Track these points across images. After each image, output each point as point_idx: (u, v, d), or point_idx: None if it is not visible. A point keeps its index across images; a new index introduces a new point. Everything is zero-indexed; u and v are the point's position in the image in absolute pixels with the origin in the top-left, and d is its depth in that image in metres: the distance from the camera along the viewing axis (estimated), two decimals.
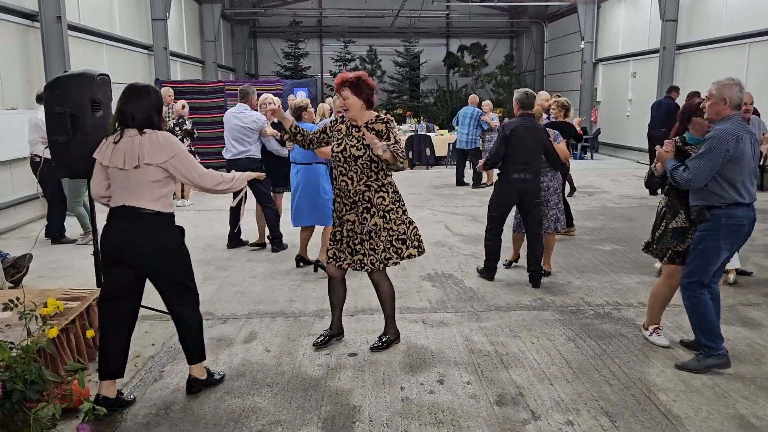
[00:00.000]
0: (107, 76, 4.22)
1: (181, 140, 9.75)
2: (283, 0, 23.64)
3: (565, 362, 4.03)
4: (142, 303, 4.89)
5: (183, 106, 9.73)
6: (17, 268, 5.56)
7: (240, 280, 5.92)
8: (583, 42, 18.94)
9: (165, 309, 4.93)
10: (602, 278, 5.90)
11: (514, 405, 3.47)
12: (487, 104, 12.10)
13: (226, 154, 6.92)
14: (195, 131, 9.94)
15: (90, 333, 3.19)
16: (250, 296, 5.43)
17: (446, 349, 4.26)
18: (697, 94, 8.51)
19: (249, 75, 23.47)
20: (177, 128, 9.57)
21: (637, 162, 15.46)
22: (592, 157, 17.03)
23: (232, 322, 4.82)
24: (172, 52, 14.87)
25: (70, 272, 6.21)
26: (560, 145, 5.86)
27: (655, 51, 14.89)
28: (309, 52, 23.63)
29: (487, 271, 5.85)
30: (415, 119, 18.00)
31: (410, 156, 14.92)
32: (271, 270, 6.26)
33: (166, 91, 9.88)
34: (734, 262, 5.80)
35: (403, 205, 4.12)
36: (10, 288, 5.42)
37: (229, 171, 6.45)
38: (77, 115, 4.00)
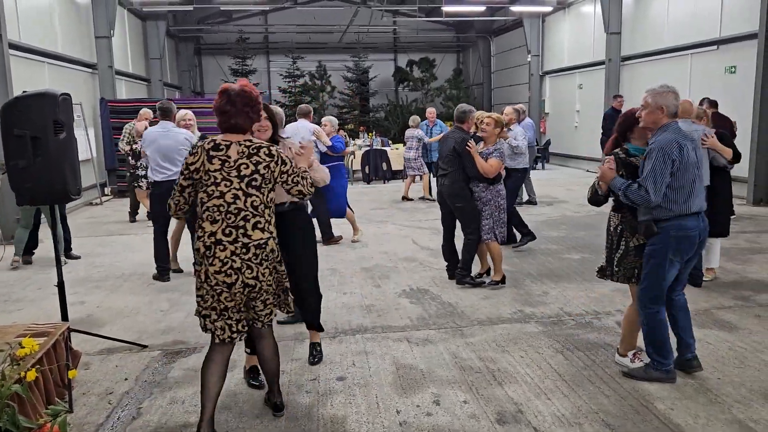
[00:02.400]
0: (69, 95, 3.97)
1: (131, 160, 9.46)
2: (228, 16, 23.30)
3: (558, 375, 3.98)
4: (103, 333, 4.65)
5: (143, 127, 9.43)
6: None
7: None
8: (529, 55, 19.37)
9: (132, 340, 4.68)
10: (577, 287, 5.93)
11: (515, 423, 3.39)
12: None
13: (156, 176, 6.36)
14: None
15: (73, 373, 2.92)
16: None
17: (436, 367, 4.15)
18: None
19: (195, 93, 22.98)
20: (127, 147, 9.29)
21: (587, 171, 15.84)
22: (543, 167, 17.36)
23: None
24: (117, 71, 14.39)
25: (23, 304, 5.81)
26: (491, 160, 5.81)
27: (601, 63, 15.36)
28: (257, 69, 23.33)
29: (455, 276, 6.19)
30: (369, 134, 17.96)
31: (367, 170, 14.85)
32: None
33: (145, 113, 9.71)
34: (714, 261, 5.98)
35: None
36: None
37: (158, 194, 6.24)
38: (39, 138, 3.73)
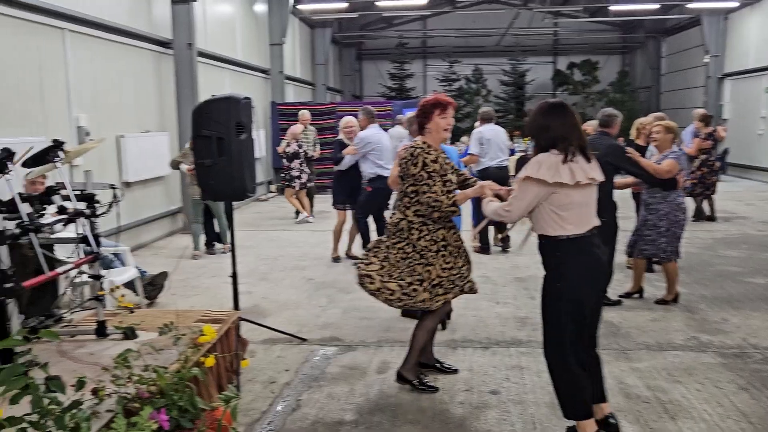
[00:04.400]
0: (250, 99, 4.25)
1: (290, 163, 9.96)
2: (389, 22, 23.93)
3: (743, 415, 3.54)
4: (267, 324, 4.92)
5: (300, 130, 9.98)
6: (154, 286, 5.73)
7: (364, 305, 5.78)
8: (707, 56, 17.73)
9: (293, 332, 4.90)
10: (763, 316, 5.27)
11: None
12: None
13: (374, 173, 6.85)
14: (312, 153, 10.27)
15: (245, 363, 3.11)
16: (377, 322, 5.27)
17: None
18: None
19: (355, 96, 23.86)
20: (289, 149, 9.84)
21: None
22: (718, 179, 15.75)
23: (363, 350, 4.67)
24: (286, 76, 15.32)
25: (199, 290, 6.34)
26: (665, 162, 5.26)
27: None
28: (414, 73, 23.71)
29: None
30: (525, 139, 17.48)
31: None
32: None
33: (303, 115, 10.37)
34: None
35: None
36: (147, 305, 5.60)
37: (376, 190, 6.72)
38: (223, 138, 4.03)
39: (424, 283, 3.67)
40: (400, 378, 3.93)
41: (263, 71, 14.38)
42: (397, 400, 3.81)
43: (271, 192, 14.27)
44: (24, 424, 1.96)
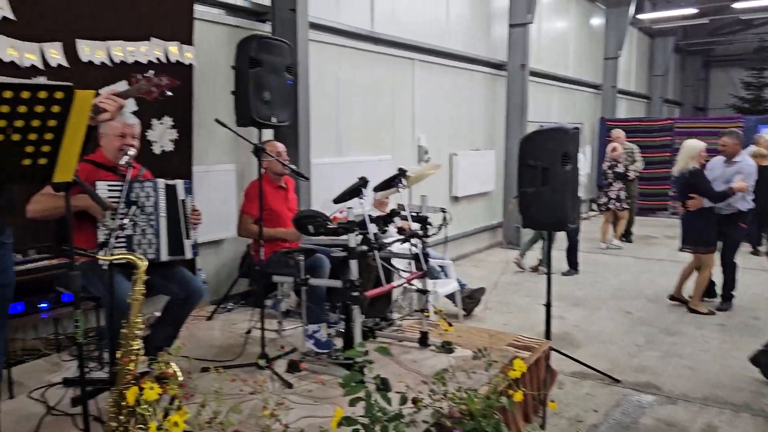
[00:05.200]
0: (578, 129, 4.20)
1: (610, 184, 9.30)
2: (747, 24, 20.94)
3: None
4: (577, 355, 4.77)
5: (614, 149, 9.30)
6: (472, 300, 6.07)
7: (689, 352, 5.21)
8: None
9: (605, 371, 4.66)
10: None
11: None
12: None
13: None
14: (630, 173, 9.46)
15: (553, 406, 3.11)
16: (703, 375, 4.70)
17: None
18: None
19: (697, 108, 21.53)
20: (609, 171, 9.22)
21: None
22: None
23: (685, 405, 4.21)
24: (619, 89, 14.62)
25: (512, 308, 6.49)
26: None
27: None
28: None
29: None
30: None
31: None
32: (728, 344, 5.36)
33: (617, 133, 9.71)
34: None
35: None
36: (464, 317, 5.95)
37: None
38: (548, 168, 4.06)
39: None
40: None
41: (594, 86, 13.97)
42: None
43: (593, 210, 13.79)
44: (357, 426, 2.29)
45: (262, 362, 3.56)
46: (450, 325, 4.38)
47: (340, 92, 6.59)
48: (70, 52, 3.94)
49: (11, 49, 3.66)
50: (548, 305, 4.42)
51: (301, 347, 3.75)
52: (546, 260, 7.74)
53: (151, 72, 2.87)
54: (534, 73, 10.52)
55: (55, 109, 1.69)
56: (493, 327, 5.13)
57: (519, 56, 9.54)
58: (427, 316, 4.03)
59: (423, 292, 4.02)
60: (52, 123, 1.70)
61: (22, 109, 1.61)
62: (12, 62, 3.67)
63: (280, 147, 4.38)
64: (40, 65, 3.79)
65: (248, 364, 3.60)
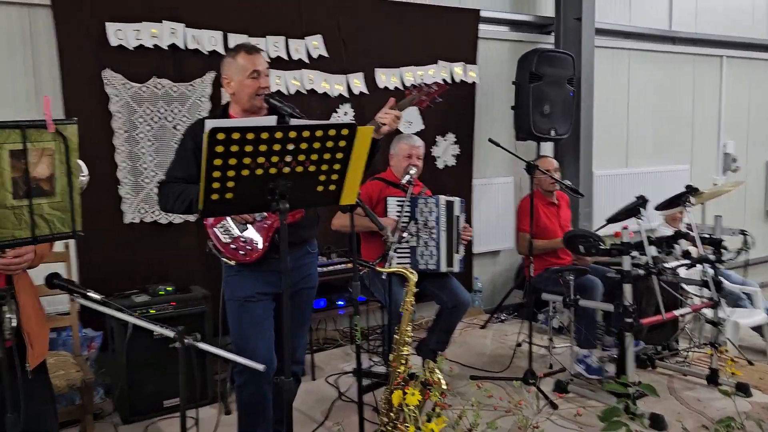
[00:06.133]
0: None
1: None
2: None
3: None
4: None
5: None
6: None
7: None
8: None
9: None
10: None
11: None
12: None
13: None
14: None
15: None
16: None
17: None
18: None
19: None
20: None
21: None
22: None
23: None
24: None
25: None
26: None
27: None
28: None
29: None
30: None
31: None
32: None
33: None
34: None
35: None
36: None
37: None
38: None
39: None
40: None
41: None
42: None
43: None
44: None
45: (526, 378, 3.56)
46: (750, 363, 3.85)
47: (630, 99, 6.19)
48: (369, 80, 4.48)
49: (324, 82, 4.31)
50: None
51: (571, 368, 3.65)
52: None
53: (421, 82, 3.10)
54: None
55: (342, 143, 1.97)
56: None
57: None
58: (720, 351, 3.57)
59: (714, 324, 3.57)
60: (339, 155, 1.99)
61: (317, 145, 1.91)
62: (324, 93, 4.32)
63: (552, 164, 4.29)
64: (345, 94, 4.39)
65: (512, 377, 3.64)
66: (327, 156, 1.97)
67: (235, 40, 3.88)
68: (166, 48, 3.74)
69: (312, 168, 1.96)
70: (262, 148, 1.81)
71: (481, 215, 5.21)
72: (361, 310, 4.10)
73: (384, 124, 2.42)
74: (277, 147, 1.83)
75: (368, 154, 2.01)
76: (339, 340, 4.40)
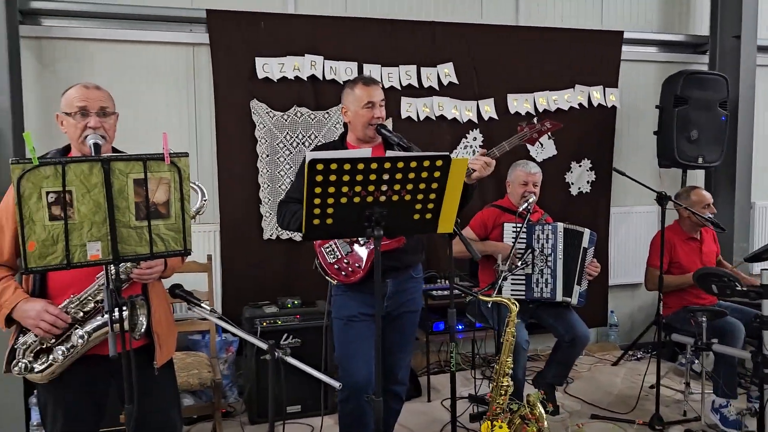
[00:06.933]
0: None
1: None
2: None
3: None
4: None
5: None
6: None
7: None
8: None
9: None
10: None
11: None
12: None
13: None
14: None
15: None
16: None
17: None
18: None
19: None
20: None
21: None
22: None
23: None
24: None
25: None
26: None
27: None
28: None
29: None
30: None
31: None
32: None
33: None
34: None
35: None
36: None
37: None
38: None
39: None
40: None
41: None
42: None
43: None
44: None
45: (653, 424, 3.33)
46: None
47: None
48: (501, 105, 4.48)
49: (454, 108, 4.39)
50: None
51: (705, 418, 3.35)
52: None
53: (534, 119, 3.04)
54: None
55: (437, 174, 2.03)
56: None
57: None
58: None
59: None
60: (434, 185, 2.05)
61: (411, 175, 2.00)
62: (454, 119, 4.39)
63: (704, 198, 3.85)
64: (474, 119, 4.43)
65: (634, 421, 3.41)
66: (422, 186, 2.04)
67: (369, 70, 4.10)
68: (306, 79, 4.05)
69: (407, 197, 2.05)
70: (359, 177, 1.93)
71: (618, 245, 4.95)
72: (479, 336, 4.11)
73: (474, 170, 2.43)
74: (372, 177, 1.94)
75: (461, 196, 2.05)
76: (460, 364, 4.41)
